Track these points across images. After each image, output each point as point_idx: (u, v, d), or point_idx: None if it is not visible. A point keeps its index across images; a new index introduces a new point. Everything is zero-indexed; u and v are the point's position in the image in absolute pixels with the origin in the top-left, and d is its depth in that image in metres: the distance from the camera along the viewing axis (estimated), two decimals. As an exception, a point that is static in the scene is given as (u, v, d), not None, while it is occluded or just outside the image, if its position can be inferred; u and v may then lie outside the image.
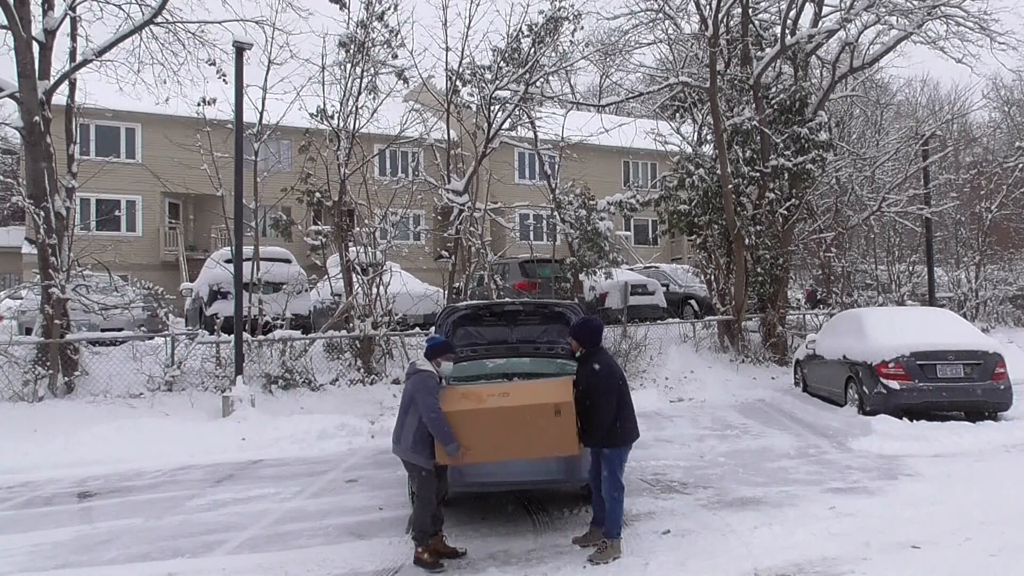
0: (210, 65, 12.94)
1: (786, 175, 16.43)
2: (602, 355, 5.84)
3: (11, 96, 11.62)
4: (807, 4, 16.93)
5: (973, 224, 21.65)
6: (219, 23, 12.79)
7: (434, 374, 5.59)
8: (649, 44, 18.70)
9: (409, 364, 5.92)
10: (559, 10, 14.27)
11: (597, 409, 5.60)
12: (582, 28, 15.21)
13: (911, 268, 20.06)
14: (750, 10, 16.61)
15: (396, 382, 13.06)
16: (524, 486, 6.66)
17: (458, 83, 14.80)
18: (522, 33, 14.43)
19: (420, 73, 15.23)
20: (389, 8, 13.66)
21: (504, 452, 5.58)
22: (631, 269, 21.33)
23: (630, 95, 20.30)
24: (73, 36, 12.42)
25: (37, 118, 11.50)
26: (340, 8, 13.50)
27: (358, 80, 13.70)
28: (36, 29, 11.81)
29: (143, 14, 12.23)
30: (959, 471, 8.06)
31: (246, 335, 12.22)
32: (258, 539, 6.39)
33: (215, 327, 12.78)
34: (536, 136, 16.10)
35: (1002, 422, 10.20)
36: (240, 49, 11.55)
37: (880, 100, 27.17)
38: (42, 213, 11.48)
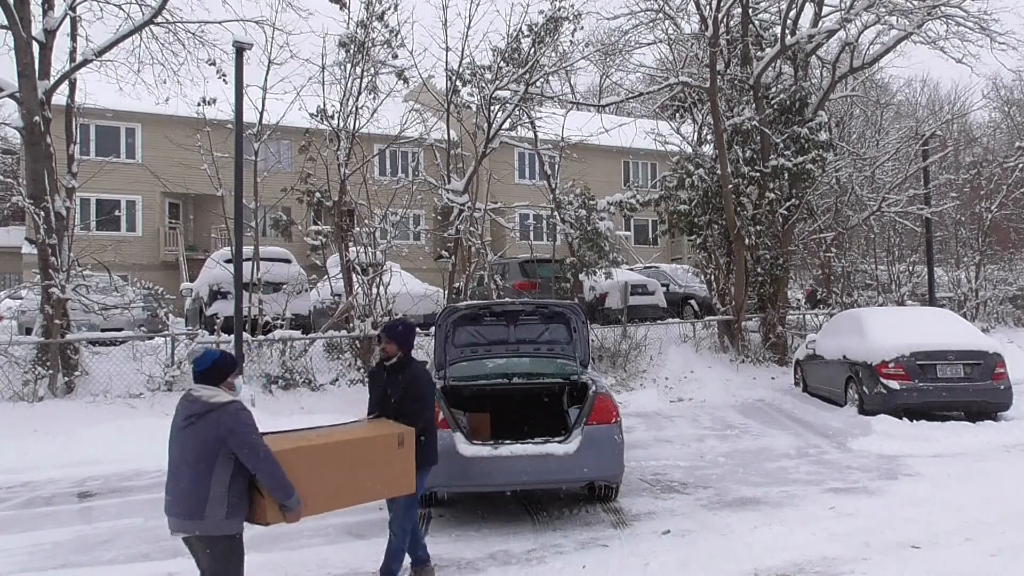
0: (210, 65, 12.95)
1: (786, 175, 16.42)
2: (417, 363, 5.42)
3: (11, 96, 11.62)
4: (807, 4, 16.94)
5: (973, 224, 21.64)
6: (219, 23, 12.80)
7: (244, 404, 4.12)
8: (649, 44, 18.72)
9: (185, 401, 4.11)
10: (559, 10, 14.25)
11: (414, 423, 5.04)
12: (582, 28, 15.23)
13: (911, 268, 20.05)
14: (750, 10, 16.60)
15: (396, 382, 13.04)
16: (526, 487, 6.67)
17: (458, 83, 14.77)
18: (522, 33, 14.41)
19: (420, 73, 15.22)
20: (389, 8, 13.64)
21: (339, 498, 4.60)
22: (631, 269, 21.33)
23: (630, 95, 20.29)
24: (73, 36, 12.42)
25: (37, 118, 11.49)
26: (340, 8, 13.49)
27: (358, 80, 13.69)
28: (36, 29, 11.80)
29: (143, 14, 12.23)
30: (959, 471, 8.06)
31: (246, 335, 12.22)
32: (258, 539, 6.37)
33: (215, 327, 12.78)
34: (536, 136, 16.09)
35: (1002, 422, 10.22)
36: (240, 49, 11.54)
37: (880, 100, 27.20)
38: (42, 213, 11.47)
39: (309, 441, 4.49)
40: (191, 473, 3.93)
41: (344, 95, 13.73)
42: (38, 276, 11.77)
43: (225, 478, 3.94)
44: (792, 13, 16.41)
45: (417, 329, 13.87)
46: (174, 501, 3.99)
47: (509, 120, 14.98)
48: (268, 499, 4.04)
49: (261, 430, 4.13)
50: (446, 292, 15.18)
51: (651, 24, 17.49)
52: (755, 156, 16.43)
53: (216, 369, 4.12)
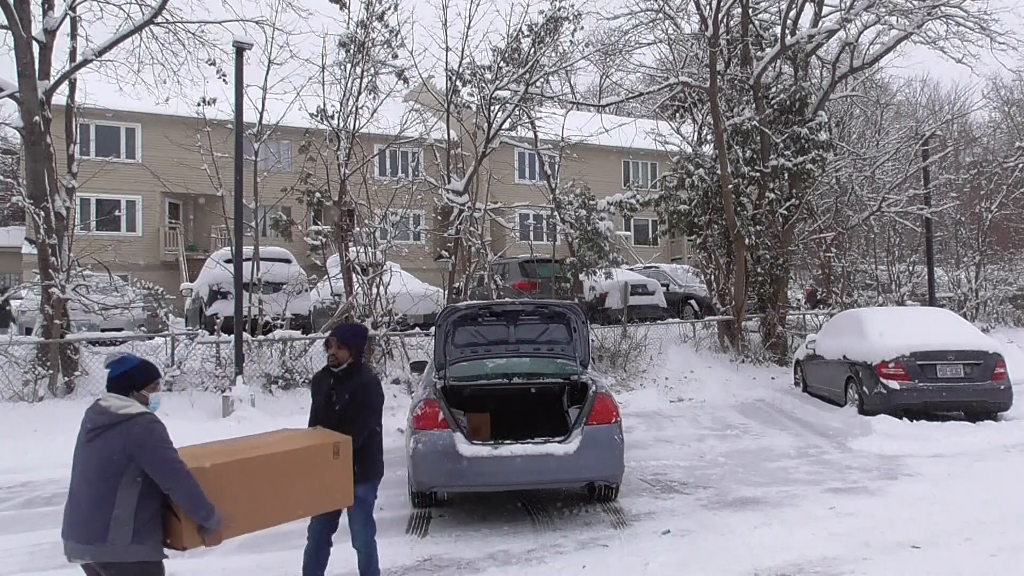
0: (210, 65, 12.95)
1: (786, 175, 16.42)
2: (368, 370, 5.12)
3: (11, 96, 11.63)
4: (807, 4, 16.94)
5: (973, 224, 21.64)
6: (219, 23, 12.81)
7: (157, 417, 3.72)
8: (649, 44, 18.71)
9: (92, 412, 3.66)
10: (559, 10, 14.25)
11: (358, 433, 4.73)
12: (582, 28, 15.26)
13: (911, 268, 20.06)
14: (750, 10, 16.60)
15: (396, 382, 13.05)
16: (526, 487, 6.67)
17: (458, 83, 14.78)
18: (522, 33, 14.42)
19: (420, 73, 15.23)
20: (389, 8, 13.65)
21: (268, 516, 4.15)
22: (631, 269, 21.33)
23: (630, 95, 20.30)
24: (73, 36, 12.43)
25: (37, 118, 11.50)
26: (340, 8, 13.49)
27: (358, 80, 13.69)
28: (36, 29, 11.81)
29: (143, 14, 12.24)
30: (959, 471, 8.06)
31: (246, 335, 12.23)
32: (258, 539, 6.36)
33: (215, 327, 12.79)
34: (536, 136, 16.09)
35: (1002, 422, 10.21)
36: (240, 49, 11.56)
37: (880, 100, 27.18)
38: (42, 213, 11.48)
39: (231, 456, 4.06)
40: (92, 492, 3.49)
41: (344, 95, 13.74)
42: (38, 276, 11.78)
43: (131, 498, 3.51)
44: (792, 13, 16.41)
45: (418, 328, 13.68)
46: (73, 524, 3.53)
47: (509, 120, 14.98)
48: (185, 521, 3.63)
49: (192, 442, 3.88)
50: (446, 292, 15.19)
51: (651, 24, 17.50)
52: (755, 156, 16.43)
53: (128, 378, 3.72)
